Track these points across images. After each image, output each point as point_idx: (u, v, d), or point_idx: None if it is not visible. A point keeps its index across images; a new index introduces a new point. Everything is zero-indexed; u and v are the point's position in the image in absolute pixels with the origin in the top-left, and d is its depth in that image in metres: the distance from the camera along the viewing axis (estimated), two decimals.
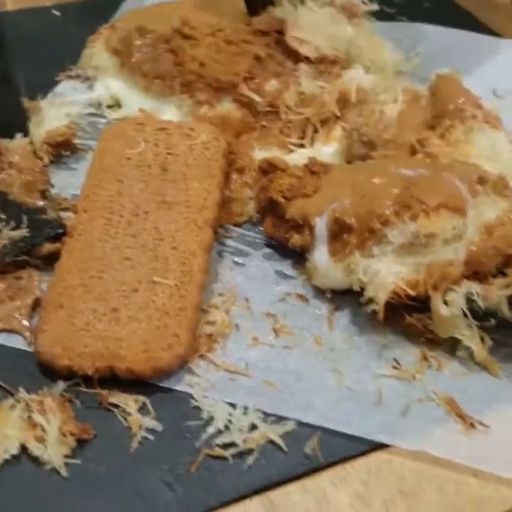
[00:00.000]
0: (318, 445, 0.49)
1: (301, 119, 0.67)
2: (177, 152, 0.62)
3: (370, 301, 0.53)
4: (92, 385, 0.51)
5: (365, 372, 0.53)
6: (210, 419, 0.49)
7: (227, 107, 0.69)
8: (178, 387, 0.51)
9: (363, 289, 0.54)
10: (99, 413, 0.50)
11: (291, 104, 0.67)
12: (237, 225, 0.63)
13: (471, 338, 0.52)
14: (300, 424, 0.49)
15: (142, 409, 0.50)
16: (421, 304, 0.53)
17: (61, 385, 0.51)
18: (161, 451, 0.48)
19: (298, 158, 0.64)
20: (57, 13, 0.86)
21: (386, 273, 0.52)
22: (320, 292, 0.58)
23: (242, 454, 0.48)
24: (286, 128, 0.67)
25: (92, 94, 0.74)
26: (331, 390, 0.52)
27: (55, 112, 0.71)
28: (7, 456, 0.47)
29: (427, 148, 0.61)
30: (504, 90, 0.76)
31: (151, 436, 0.49)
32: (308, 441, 0.49)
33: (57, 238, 0.58)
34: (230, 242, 0.62)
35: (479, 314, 0.52)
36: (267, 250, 0.61)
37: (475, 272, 0.52)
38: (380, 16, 0.82)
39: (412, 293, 0.52)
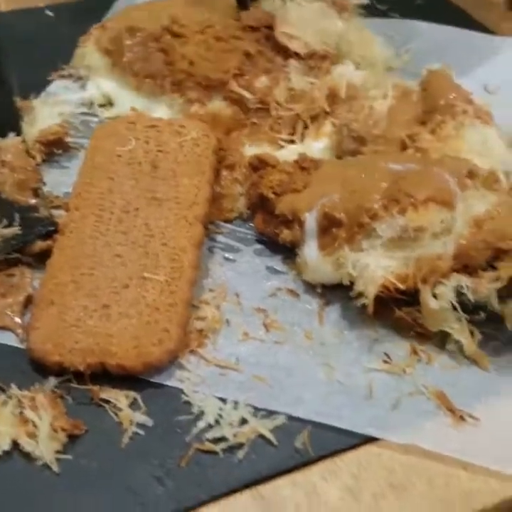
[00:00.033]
0: (309, 439, 0.49)
1: (291, 116, 0.67)
2: (167, 149, 0.62)
3: (360, 295, 0.53)
4: (83, 381, 0.51)
5: (355, 367, 0.53)
6: (201, 414, 0.50)
7: (217, 104, 0.69)
8: (168, 383, 0.51)
9: (352, 283, 0.54)
10: (90, 409, 0.50)
11: (281, 101, 0.67)
12: (228, 221, 0.63)
13: (460, 331, 0.52)
14: (290, 418, 0.50)
15: (133, 405, 0.50)
16: (410, 298, 0.53)
17: (52, 381, 0.51)
18: (152, 446, 0.48)
19: (288, 154, 0.65)
20: (50, 13, 0.87)
21: (375, 267, 0.52)
22: (310, 287, 0.58)
23: (232, 449, 0.48)
24: (277, 124, 0.67)
25: (84, 93, 0.75)
26: (321, 384, 0.52)
27: (47, 111, 0.71)
28: None
29: (417, 143, 0.62)
30: (495, 86, 0.76)
31: (141, 432, 0.49)
32: (299, 436, 0.49)
33: (48, 236, 0.58)
34: (220, 238, 0.62)
35: (469, 308, 0.52)
36: (258, 246, 0.62)
37: (465, 266, 0.52)
38: (372, 12, 0.82)
39: (401, 287, 0.52)
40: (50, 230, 0.58)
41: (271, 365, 0.53)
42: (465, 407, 0.50)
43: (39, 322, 0.53)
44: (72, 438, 0.48)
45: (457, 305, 0.51)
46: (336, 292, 0.57)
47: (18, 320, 0.55)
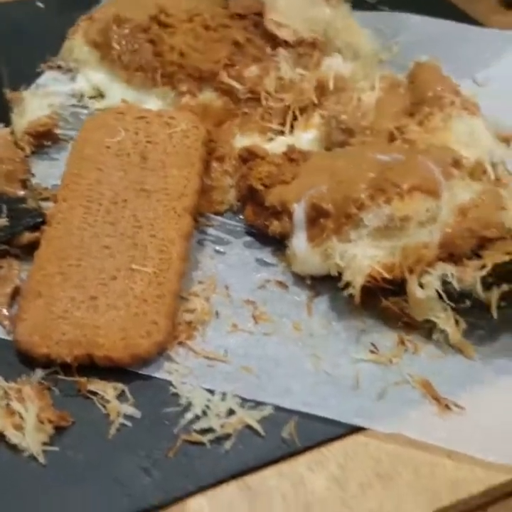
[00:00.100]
0: (296, 429, 0.49)
1: (281, 106, 0.67)
2: (156, 140, 0.62)
3: (348, 285, 0.54)
4: (70, 373, 0.51)
5: (343, 357, 0.53)
6: (189, 405, 0.50)
7: (208, 95, 0.69)
8: (156, 375, 0.51)
9: (340, 274, 0.54)
10: (77, 400, 0.50)
11: (271, 90, 0.67)
12: (218, 213, 0.63)
13: (445, 320, 0.52)
14: (277, 408, 0.50)
15: (121, 397, 0.50)
16: (397, 288, 0.53)
17: (39, 373, 0.51)
18: (139, 438, 0.48)
19: (277, 146, 0.65)
20: (40, 4, 0.86)
21: (362, 257, 0.53)
22: (299, 279, 0.58)
23: (219, 439, 0.48)
24: (267, 114, 0.67)
25: (74, 85, 0.74)
26: (308, 374, 0.52)
27: (37, 102, 0.71)
28: None
29: (405, 135, 0.61)
30: (484, 78, 0.76)
31: (129, 423, 0.49)
32: (286, 426, 0.49)
33: (36, 227, 0.58)
34: (210, 230, 0.62)
35: (454, 296, 0.52)
36: (248, 238, 0.62)
37: (450, 254, 0.52)
38: (362, 5, 0.82)
39: (388, 276, 0.52)
40: (39, 221, 0.58)
41: (259, 357, 0.53)
42: (450, 395, 0.51)
43: (26, 314, 0.53)
44: (59, 430, 0.48)
45: (443, 293, 0.52)
46: (325, 284, 0.57)
47: (5, 312, 0.55)
